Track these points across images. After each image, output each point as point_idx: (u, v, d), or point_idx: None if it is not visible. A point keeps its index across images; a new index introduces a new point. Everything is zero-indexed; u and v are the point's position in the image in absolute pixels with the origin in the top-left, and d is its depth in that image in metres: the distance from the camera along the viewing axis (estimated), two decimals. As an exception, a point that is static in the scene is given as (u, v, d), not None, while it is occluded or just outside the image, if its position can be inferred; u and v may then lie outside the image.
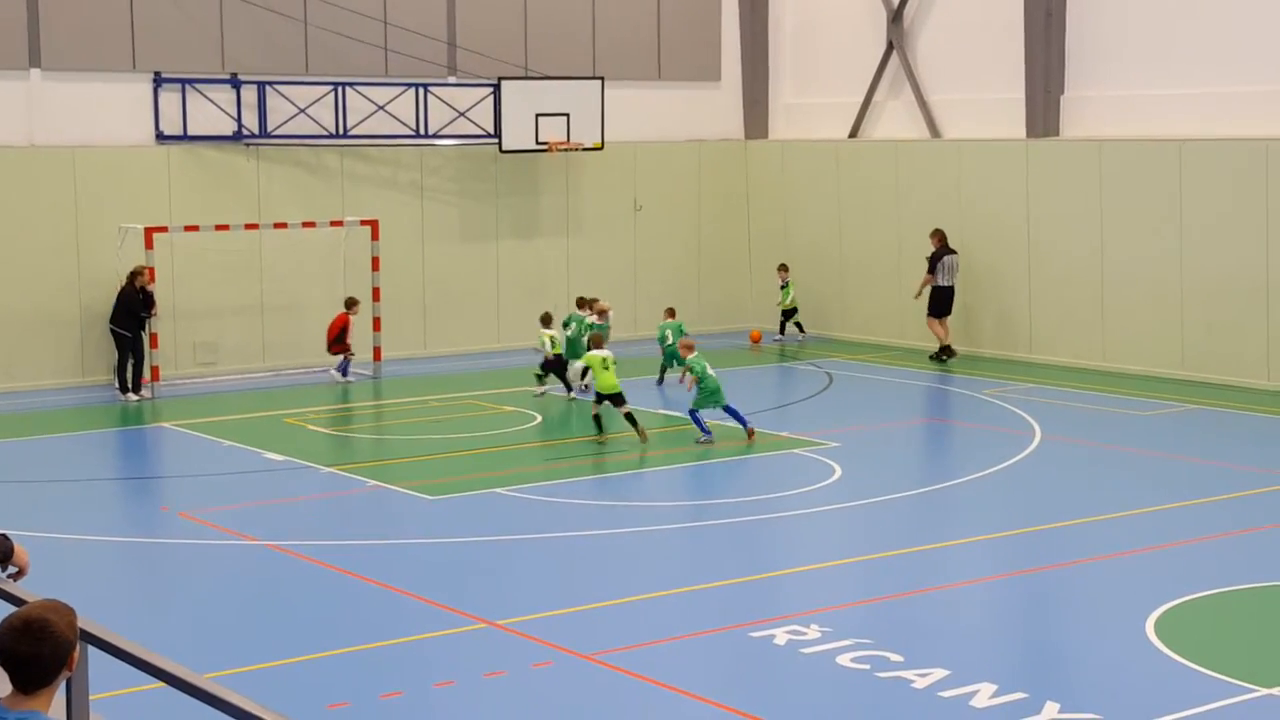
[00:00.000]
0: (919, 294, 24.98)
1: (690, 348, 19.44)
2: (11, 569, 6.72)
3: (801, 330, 27.66)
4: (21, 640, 4.46)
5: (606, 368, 18.94)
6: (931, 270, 24.66)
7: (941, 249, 24.63)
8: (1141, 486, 16.27)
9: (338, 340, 23.74)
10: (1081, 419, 20.13)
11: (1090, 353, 23.90)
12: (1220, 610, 12.03)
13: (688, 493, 16.37)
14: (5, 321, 22.83)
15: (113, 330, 22.23)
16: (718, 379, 18.92)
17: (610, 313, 23.36)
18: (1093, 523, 14.70)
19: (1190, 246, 22.51)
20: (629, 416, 18.66)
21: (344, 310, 23.85)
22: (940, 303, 24.83)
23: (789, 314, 27.68)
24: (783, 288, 27.66)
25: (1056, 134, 24.78)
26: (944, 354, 24.71)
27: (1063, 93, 24.78)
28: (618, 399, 18.80)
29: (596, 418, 19.06)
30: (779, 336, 27.66)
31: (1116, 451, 18.15)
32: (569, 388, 22.18)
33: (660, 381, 22.95)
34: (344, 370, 23.83)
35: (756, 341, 27.20)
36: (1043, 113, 24.75)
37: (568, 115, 26.18)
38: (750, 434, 18.63)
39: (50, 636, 4.48)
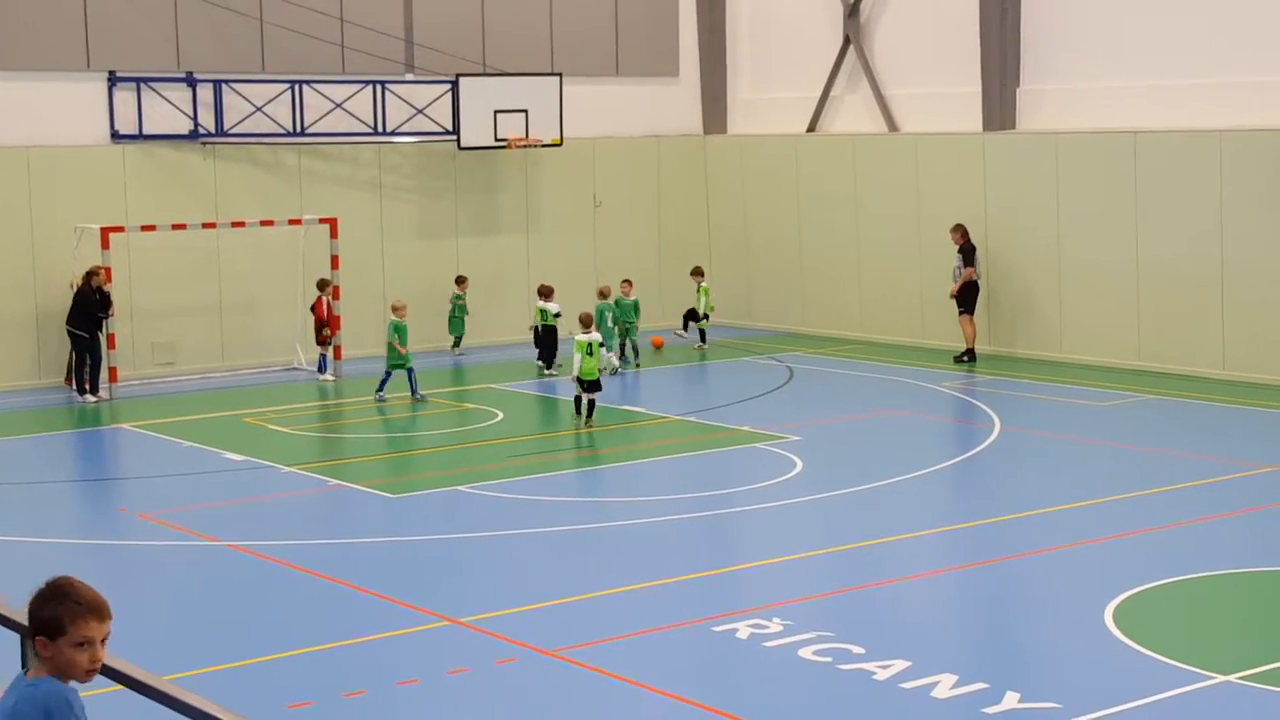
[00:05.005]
0: (956, 291, 23.93)
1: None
2: None
3: (701, 336, 26.09)
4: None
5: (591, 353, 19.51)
6: (971, 263, 23.82)
7: (969, 243, 23.93)
8: (1099, 477, 16.38)
9: (322, 327, 23.71)
10: (1040, 410, 20.26)
11: (1048, 344, 24.05)
12: (1178, 598, 12.14)
13: (649, 488, 16.39)
14: (-40, 323, 22.67)
15: (69, 331, 22.08)
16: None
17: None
18: (1051, 513, 14.80)
19: (1146, 237, 22.68)
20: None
21: (319, 294, 23.81)
22: (973, 299, 23.99)
23: (700, 317, 26.05)
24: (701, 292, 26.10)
25: (1013, 127, 24.92)
26: (968, 356, 23.83)
27: (1019, 86, 24.92)
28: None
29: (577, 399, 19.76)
30: (701, 344, 25.99)
31: (1075, 442, 18.27)
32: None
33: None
34: (321, 366, 23.72)
35: (658, 347, 26.05)
36: (999, 106, 24.87)
37: (526, 112, 26.15)
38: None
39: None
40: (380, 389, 21.44)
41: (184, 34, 24.25)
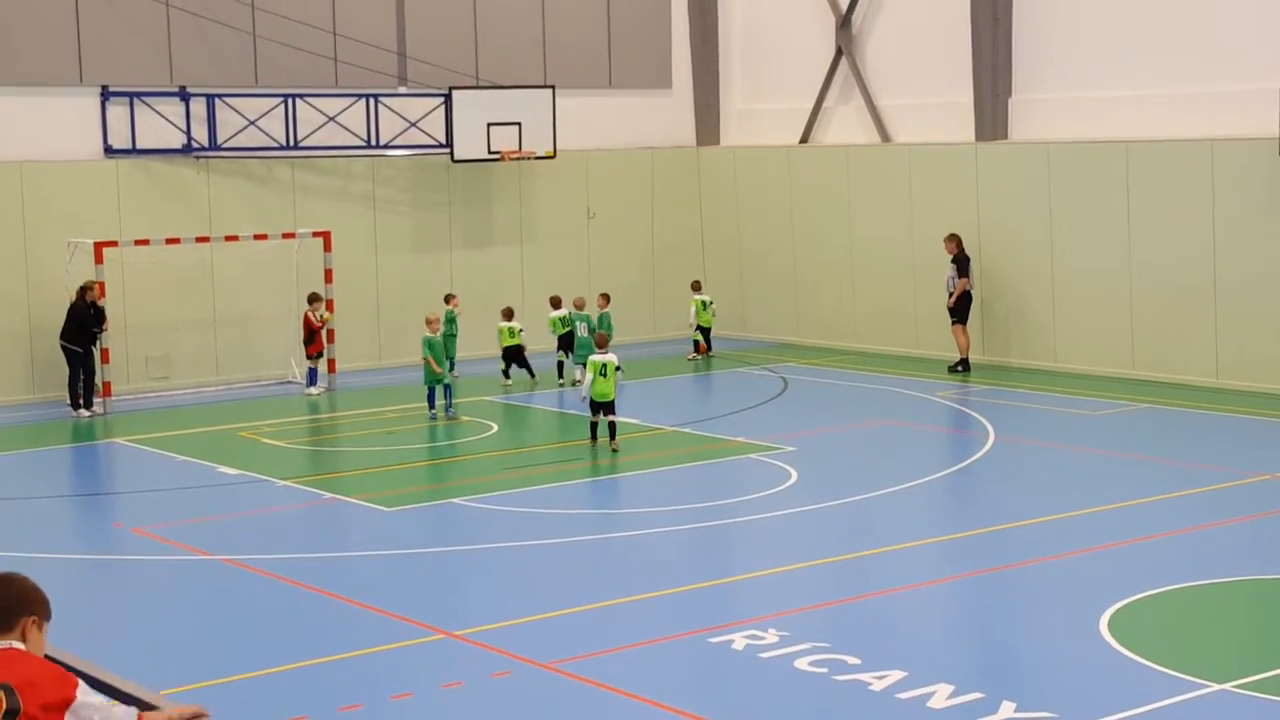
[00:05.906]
0: (955, 300, 23.91)
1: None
2: None
3: (702, 348, 26.52)
4: None
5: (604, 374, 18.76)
6: (965, 273, 23.80)
7: (963, 253, 23.90)
8: (1094, 486, 16.39)
9: (308, 341, 23.62)
10: (1034, 420, 20.28)
11: (1042, 353, 24.07)
12: (1173, 607, 12.15)
13: (643, 499, 16.39)
14: (-46, 339, 22.65)
15: (63, 346, 22.06)
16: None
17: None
18: (1046, 522, 14.81)
19: (1138, 246, 22.72)
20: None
21: (307, 307, 23.75)
22: (966, 308, 23.99)
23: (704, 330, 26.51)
24: (707, 304, 26.57)
25: (1005, 137, 24.96)
26: (962, 365, 23.87)
27: (1010, 95, 24.97)
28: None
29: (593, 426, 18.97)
30: (696, 355, 26.42)
31: (1069, 451, 18.29)
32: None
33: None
34: (311, 379, 23.63)
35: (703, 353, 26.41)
36: (991, 116, 24.92)
37: (519, 124, 26.18)
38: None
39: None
40: (431, 405, 21.11)
41: (177, 48, 24.27)
